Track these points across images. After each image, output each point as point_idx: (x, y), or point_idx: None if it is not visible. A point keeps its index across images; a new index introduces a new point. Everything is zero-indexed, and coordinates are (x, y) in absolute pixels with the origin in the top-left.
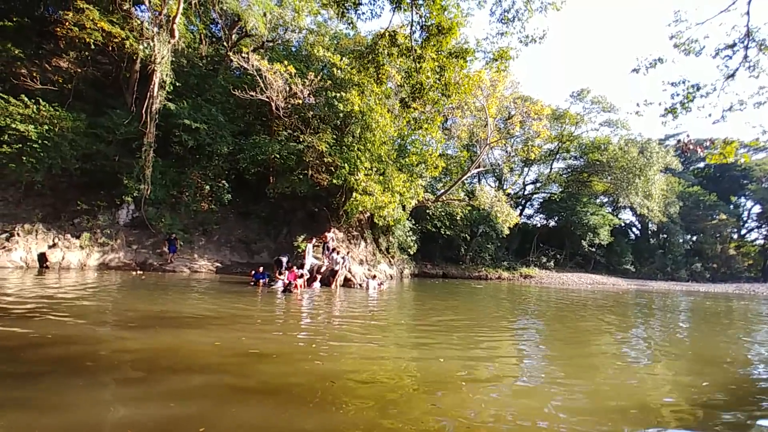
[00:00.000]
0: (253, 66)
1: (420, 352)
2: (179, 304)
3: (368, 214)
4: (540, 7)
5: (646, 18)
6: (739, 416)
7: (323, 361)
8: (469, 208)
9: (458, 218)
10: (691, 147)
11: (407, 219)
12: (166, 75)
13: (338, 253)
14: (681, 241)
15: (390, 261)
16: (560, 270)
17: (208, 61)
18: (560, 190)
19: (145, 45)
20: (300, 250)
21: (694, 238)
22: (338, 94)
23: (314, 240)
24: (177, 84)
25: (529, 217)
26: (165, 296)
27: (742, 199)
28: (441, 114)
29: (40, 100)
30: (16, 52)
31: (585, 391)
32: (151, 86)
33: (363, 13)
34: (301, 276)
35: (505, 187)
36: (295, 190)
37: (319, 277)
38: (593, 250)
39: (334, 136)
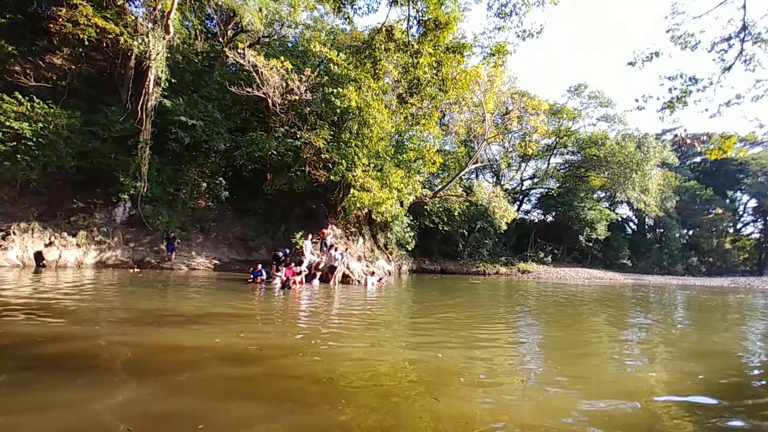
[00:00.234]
0: (249, 62)
1: (419, 349)
2: (177, 302)
3: (366, 210)
4: (537, 1)
5: (645, 12)
6: (736, 409)
7: (322, 358)
8: (467, 203)
9: (456, 214)
10: (689, 141)
11: (405, 215)
12: (162, 71)
13: (336, 249)
14: (677, 235)
15: (388, 257)
16: (558, 265)
17: (204, 57)
18: (558, 185)
19: (140, 41)
20: (298, 247)
21: (691, 232)
22: (335, 90)
23: (311, 236)
24: (172, 80)
25: (527, 212)
26: (163, 294)
27: (738, 194)
28: (438, 109)
29: (34, 98)
30: (10, 49)
31: (583, 385)
32: (147, 83)
33: (359, 8)
34: (300, 273)
35: (502, 183)
36: (293, 187)
37: (318, 274)
38: (590, 244)
39: (332, 133)
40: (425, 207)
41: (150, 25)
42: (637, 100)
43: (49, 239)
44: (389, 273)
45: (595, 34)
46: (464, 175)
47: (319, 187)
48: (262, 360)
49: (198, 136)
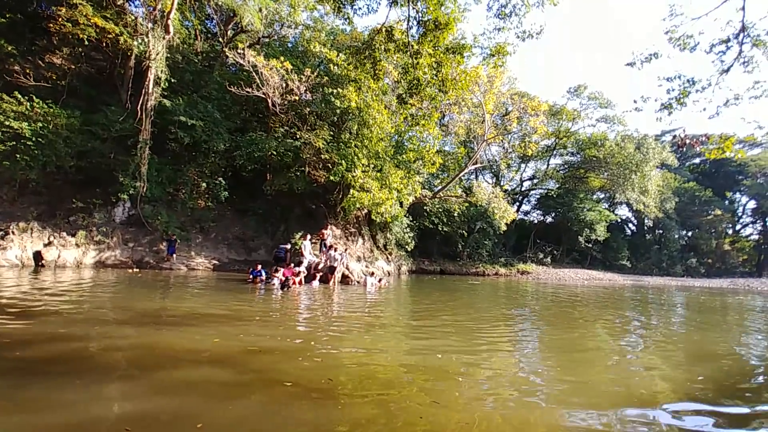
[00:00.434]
0: (249, 62)
1: (418, 349)
2: (177, 302)
3: (366, 210)
4: (537, 2)
5: (645, 12)
6: (736, 409)
7: (322, 358)
8: (467, 204)
9: (455, 215)
10: (687, 142)
11: (405, 215)
12: (161, 71)
13: (336, 250)
14: (676, 236)
15: (387, 257)
16: (557, 266)
17: (204, 58)
18: (557, 186)
19: (140, 41)
20: (297, 247)
21: (690, 233)
22: (335, 91)
23: (309, 236)
24: (172, 80)
25: (526, 213)
26: (162, 294)
27: (737, 195)
28: (438, 110)
29: (34, 97)
30: (9, 48)
31: (583, 386)
32: (146, 83)
33: (359, 8)
34: (298, 273)
35: (502, 184)
36: (293, 187)
37: (318, 275)
38: (590, 245)
39: (331, 133)
40: (425, 207)
41: (150, 24)
42: (635, 101)
43: (48, 239)
44: (389, 274)
45: (595, 34)
46: (464, 175)
47: (319, 187)
48: (261, 361)
49: (198, 136)
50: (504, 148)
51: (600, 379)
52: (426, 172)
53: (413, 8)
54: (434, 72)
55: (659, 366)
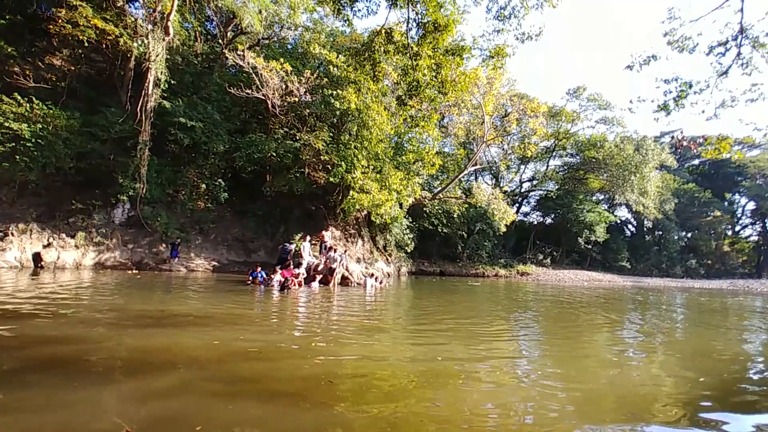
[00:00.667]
0: (248, 64)
1: (418, 351)
2: (176, 304)
3: (365, 212)
4: (536, 4)
5: (644, 13)
6: (737, 411)
7: (322, 360)
8: (466, 205)
9: (455, 216)
10: (685, 143)
11: (404, 217)
12: (161, 73)
13: (335, 251)
14: (676, 237)
15: (387, 259)
16: (557, 267)
17: (204, 59)
18: (557, 187)
19: (140, 42)
20: (297, 249)
21: (689, 234)
22: (335, 92)
23: (309, 238)
24: (172, 82)
25: (526, 214)
26: (162, 296)
27: (737, 196)
28: (438, 111)
29: (34, 99)
30: (9, 50)
31: (582, 387)
32: (146, 84)
33: (359, 10)
34: (298, 275)
35: (501, 185)
36: (292, 189)
37: (319, 277)
38: (589, 247)
39: (331, 134)
40: (424, 209)
41: (149, 26)
42: (631, 102)
43: (48, 240)
44: (388, 275)
45: (595, 35)
46: (463, 177)
47: (319, 188)
48: (261, 362)
49: (197, 138)
50: (503, 149)
51: (600, 381)
52: (425, 173)
53: (413, 10)
54: (434, 74)
55: (659, 367)
